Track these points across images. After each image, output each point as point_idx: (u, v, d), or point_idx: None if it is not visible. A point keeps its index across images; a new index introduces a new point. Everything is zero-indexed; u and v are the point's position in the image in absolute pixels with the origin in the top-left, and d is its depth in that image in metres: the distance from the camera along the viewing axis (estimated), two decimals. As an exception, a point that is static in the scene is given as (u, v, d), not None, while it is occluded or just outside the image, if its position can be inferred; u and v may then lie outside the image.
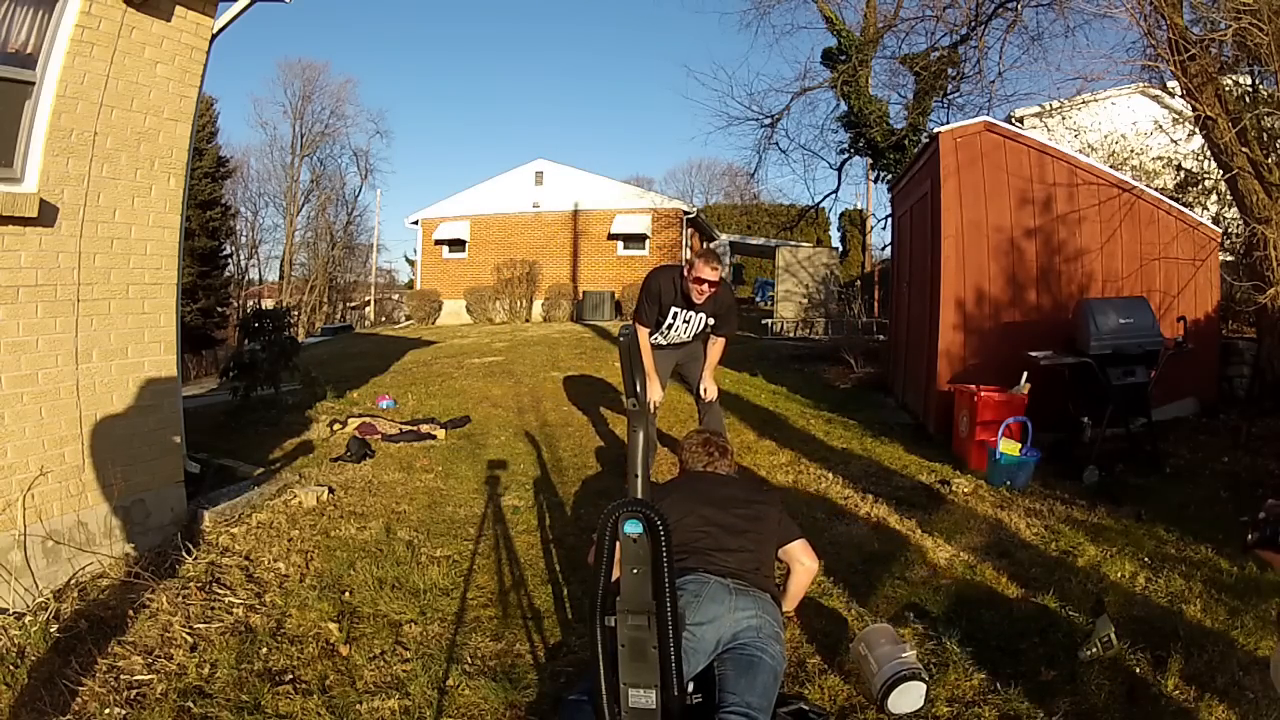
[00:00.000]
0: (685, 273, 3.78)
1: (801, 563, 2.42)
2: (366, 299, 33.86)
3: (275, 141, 34.13)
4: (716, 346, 4.07)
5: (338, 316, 32.87)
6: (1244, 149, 5.16)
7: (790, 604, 2.68)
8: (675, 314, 3.80)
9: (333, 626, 2.64)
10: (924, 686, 2.12)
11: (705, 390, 3.99)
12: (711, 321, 3.86)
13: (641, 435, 1.69)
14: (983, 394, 4.64)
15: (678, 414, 5.72)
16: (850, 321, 12.48)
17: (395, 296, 32.56)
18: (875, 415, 6.36)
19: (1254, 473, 4.28)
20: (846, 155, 15.54)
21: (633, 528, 1.48)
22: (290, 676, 2.35)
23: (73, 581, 2.96)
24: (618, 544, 1.51)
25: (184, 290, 6.56)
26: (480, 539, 3.51)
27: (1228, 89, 5.63)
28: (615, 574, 1.56)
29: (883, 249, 19.76)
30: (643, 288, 3.91)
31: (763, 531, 2.35)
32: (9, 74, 2.91)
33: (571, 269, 19.24)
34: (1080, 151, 7.77)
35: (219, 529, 3.56)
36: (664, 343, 3.91)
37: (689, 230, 19.75)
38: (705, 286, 3.69)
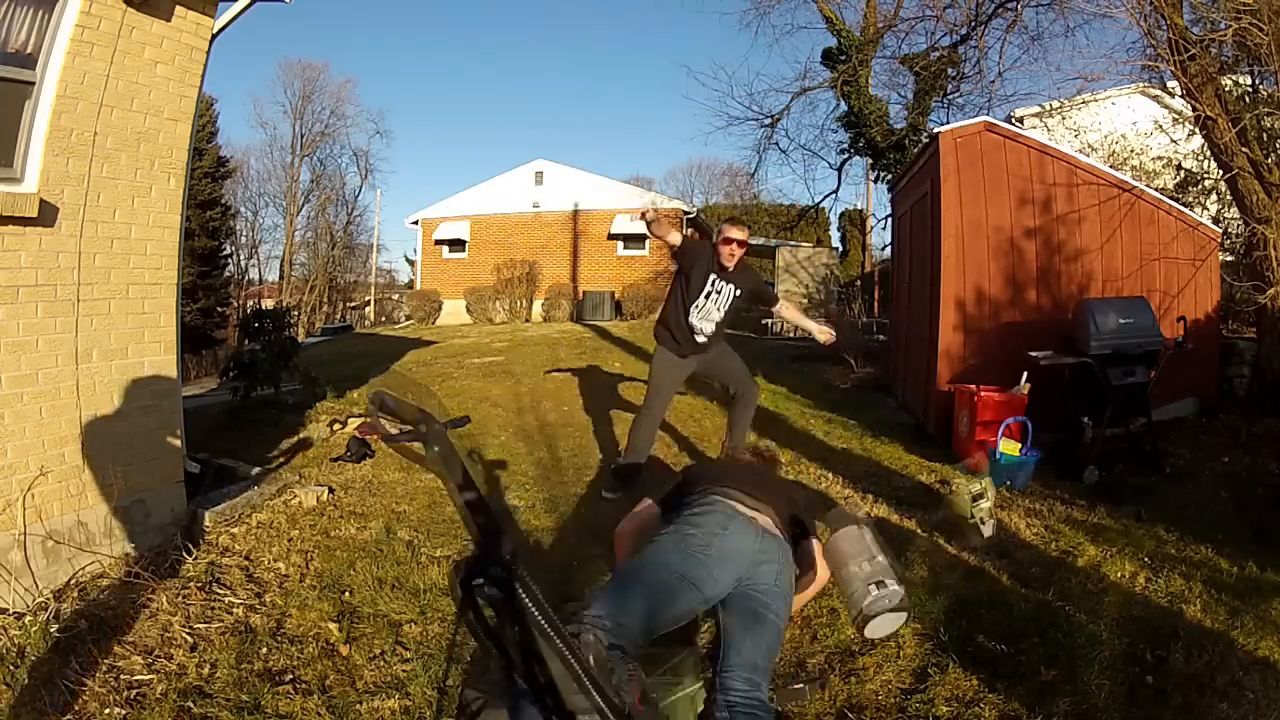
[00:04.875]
0: (714, 240, 4.01)
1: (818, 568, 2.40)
2: (366, 299, 33.84)
3: (275, 141, 34.23)
4: (788, 309, 4.51)
5: (338, 316, 32.86)
6: (1244, 149, 5.16)
7: (794, 608, 2.67)
8: (712, 280, 3.98)
9: (333, 626, 2.64)
10: (903, 617, 2.10)
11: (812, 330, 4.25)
12: (738, 292, 4.03)
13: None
14: (983, 394, 4.64)
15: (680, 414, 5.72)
16: (850, 321, 12.48)
17: (395, 296, 32.54)
18: (875, 415, 6.36)
19: (1254, 473, 4.28)
20: (846, 155, 15.53)
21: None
22: (290, 676, 2.35)
23: (73, 581, 2.96)
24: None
25: (184, 290, 6.55)
26: (480, 539, 3.51)
27: (1228, 89, 5.64)
28: None
29: (883, 249, 19.77)
30: (677, 256, 4.10)
31: (790, 495, 2.42)
32: (9, 74, 2.92)
33: (571, 269, 19.23)
34: (1080, 151, 7.77)
35: (219, 529, 3.56)
36: (697, 324, 4.00)
37: (689, 230, 19.73)
38: (734, 246, 3.90)
